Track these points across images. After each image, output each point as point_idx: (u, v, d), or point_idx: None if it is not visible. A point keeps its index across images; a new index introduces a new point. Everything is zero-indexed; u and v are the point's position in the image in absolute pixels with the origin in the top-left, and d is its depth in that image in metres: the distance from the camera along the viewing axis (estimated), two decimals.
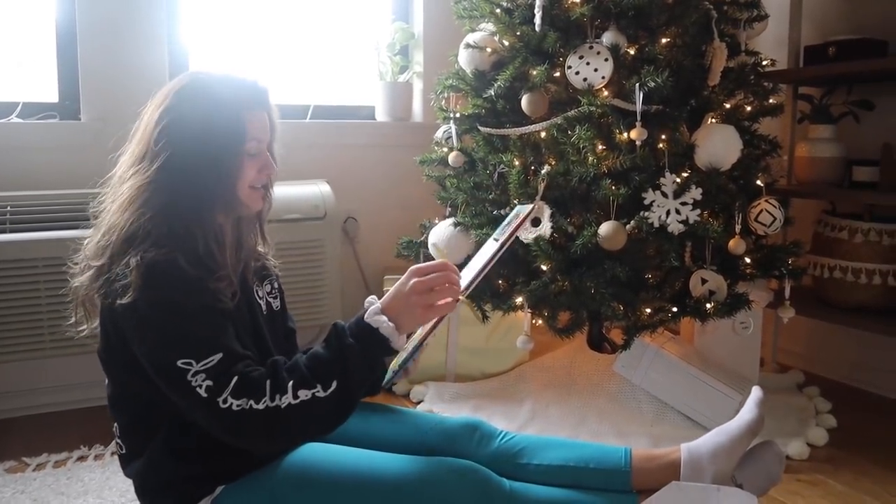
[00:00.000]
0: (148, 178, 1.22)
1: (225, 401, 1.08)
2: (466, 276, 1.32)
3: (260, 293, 1.40)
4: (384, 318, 1.16)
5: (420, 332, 1.28)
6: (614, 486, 1.38)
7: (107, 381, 1.29)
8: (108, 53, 2.34)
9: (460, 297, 1.23)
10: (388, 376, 1.30)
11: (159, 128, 1.23)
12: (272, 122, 1.32)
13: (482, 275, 1.27)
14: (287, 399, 1.09)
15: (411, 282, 1.18)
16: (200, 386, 1.09)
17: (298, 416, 1.10)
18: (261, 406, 1.08)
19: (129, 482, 1.34)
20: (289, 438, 1.16)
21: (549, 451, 1.40)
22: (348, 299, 2.71)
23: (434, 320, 1.24)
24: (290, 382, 1.10)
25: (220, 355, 1.11)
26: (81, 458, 1.94)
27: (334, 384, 1.12)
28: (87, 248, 1.26)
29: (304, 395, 1.10)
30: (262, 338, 1.35)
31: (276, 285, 1.47)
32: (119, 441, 1.30)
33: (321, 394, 1.11)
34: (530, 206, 1.36)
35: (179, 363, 1.10)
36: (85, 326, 1.30)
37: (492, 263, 1.27)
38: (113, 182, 1.30)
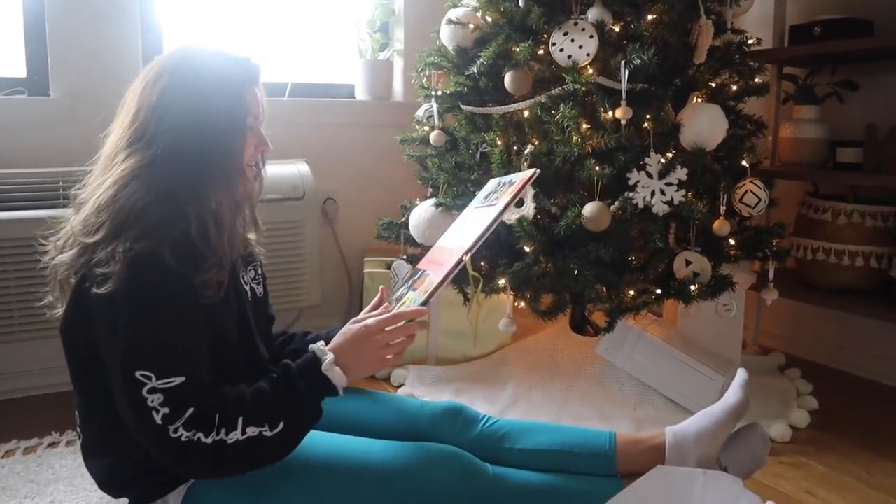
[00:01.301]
0: (147, 158, 1.17)
1: (176, 430, 1.05)
2: (456, 239, 1.30)
3: (245, 279, 1.36)
4: (338, 370, 1.17)
5: (423, 293, 1.25)
6: (599, 470, 1.37)
7: (66, 361, 1.24)
8: (78, 27, 2.26)
9: (464, 257, 1.22)
10: None
11: (158, 106, 1.18)
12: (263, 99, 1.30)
13: (486, 236, 1.25)
14: (235, 435, 1.07)
15: (369, 336, 1.20)
16: (157, 410, 1.05)
17: (243, 452, 1.08)
18: (209, 441, 1.06)
19: None
20: (229, 471, 1.13)
21: (533, 436, 1.38)
22: (328, 282, 2.68)
23: (439, 280, 1.22)
24: (240, 419, 1.08)
25: (181, 379, 1.07)
26: (52, 445, 1.89)
27: (281, 425, 1.11)
28: (74, 224, 1.19)
29: (251, 431, 1.08)
30: (247, 325, 1.32)
31: (259, 271, 1.43)
32: (79, 429, 1.25)
33: (268, 433, 1.09)
34: (527, 171, 1.32)
35: (138, 374, 1.06)
36: (60, 308, 1.24)
37: (495, 224, 1.26)
38: (101, 162, 1.24)
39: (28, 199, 2.07)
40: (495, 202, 1.33)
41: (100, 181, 1.21)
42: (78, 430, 1.26)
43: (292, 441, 1.14)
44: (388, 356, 1.21)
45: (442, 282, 1.23)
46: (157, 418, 1.05)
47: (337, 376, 1.16)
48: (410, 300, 1.29)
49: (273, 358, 1.41)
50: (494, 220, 1.27)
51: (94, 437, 1.25)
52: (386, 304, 1.39)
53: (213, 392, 1.10)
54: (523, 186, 1.30)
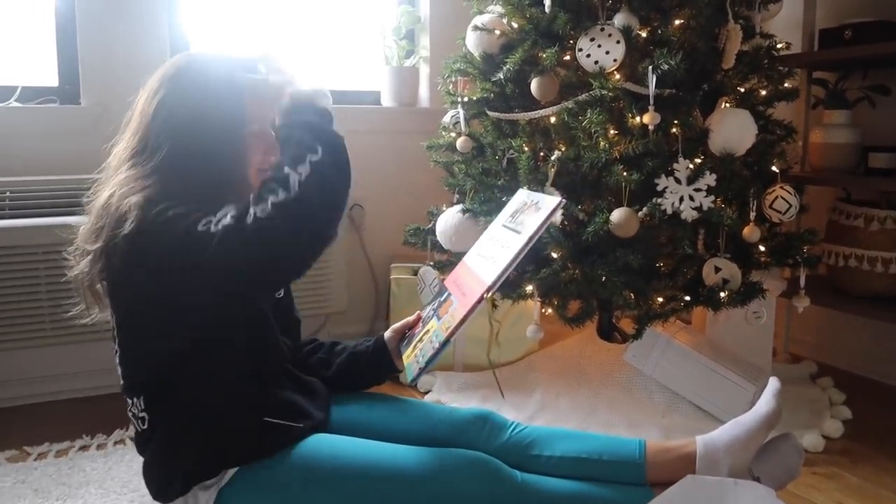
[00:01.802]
0: (148, 169, 1.19)
1: (248, 214, 1.04)
2: (482, 266, 1.28)
3: None
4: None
5: (445, 329, 1.24)
6: (628, 479, 1.35)
7: (119, 359, 1.26)
8: (108, 36, 2.29)
9: (485, 296, 1.20)
10: (412, 373, 1.27)
11: (155, 117, 1.19)
12: None
13: (508, 272, 1.23)
14: (297, 178, 1.06)
15: None
16: (221, 221, 1.05)
17: (313, 187, 1.07)
18: (281, 198, 1.05)
19: (133, 472, 1.32)
20: (268, 229, 1.06)
21: (561, 443, 1.37)
22: (354, 288, 2.68)
23: (460, 318, 1.21)
24: (286, 167, 1.08)
25: (231, 207, 1.08)
26: (83, 448, 1.91)
27: (320, 149, 1.10)
28: (81, 233, 1.23)
29: (303, 169, 1.07)
30: (264, 316, 1.33)
31: None
32: (139, 416, 1.27)
33: (315, 157, 1.09)
34: (553, 197, 1.29)
35: (200, 227, 1.06)
36: (96, 312, 1.27)
37: (517, 262, 1.23)
38: (107, 173, 1.26)
39: (58, 205, 2.10)
40: (520, 229, 1.30)
41: (107, 193, 1.22)
42: (139, 416, 1.27)
43: (335, 170, 1.12)
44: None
45: (462, 321, 1.22)
46: (227, 221, 1.05)
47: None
48: (433, 332, 1.28)
49: (300, 365, 1.42)
50: (517, 256, 1.23)
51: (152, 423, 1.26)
52: (418, 313, 1.40)
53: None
54: (548, 218, 1.26)
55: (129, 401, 1.27)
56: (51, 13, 2.30)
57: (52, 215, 2.07)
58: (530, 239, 1.23)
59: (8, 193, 2.07)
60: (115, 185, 1.19)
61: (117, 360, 1.27)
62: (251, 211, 1.04)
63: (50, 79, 2.34)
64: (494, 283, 1.22)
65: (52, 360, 2.22)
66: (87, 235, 1.21)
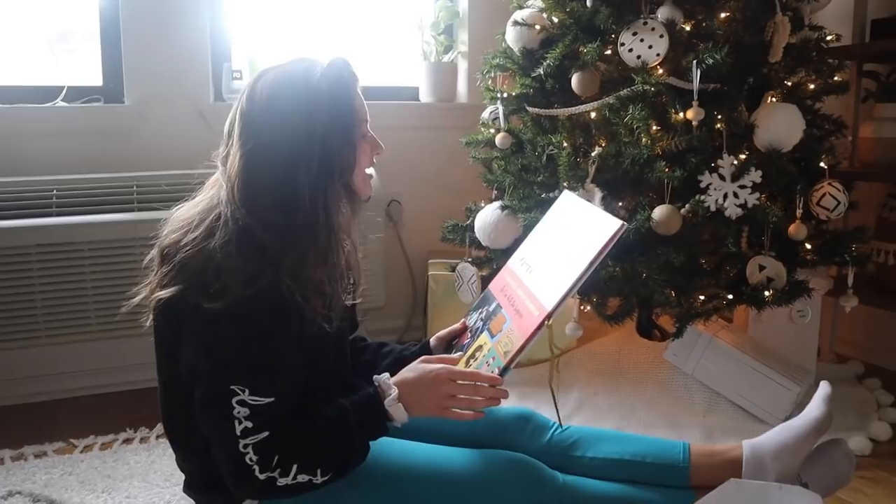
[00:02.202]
0: (258, 181, 1.13)
1: (246, 447, 1.07)
2: (536, 283, 1.25)
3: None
4: (401, 408, 1.16)
5: (504, 355, 1.21)
6: (671, 482, 1.33)
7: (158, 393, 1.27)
8: (151, 36, 2.33)
9: (546, 323, 1.18)
10: None
11: (259, 129, 1.13)
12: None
13: (567, 297, 1.19)
14: (285, 480, 1.09)
15: (437, 383, 1.18)
16: (239, 420, 1.08)
17: (289, 491, 1.11)
18: (262, 477, 1.08)
19: (175, 466, 1.33)
20: (273, 499, 1.16)
21: (604, 444, 1.35)
22: (392, 284, 2.69)
23: (519, 347, 1.19)
24: (294, 466, 1.09)
25: (271, 399, 1.09)
26: (127, 441, 1.95)
27: (330, 474, 1.12)
28: (173, 223, 1.19)
29: (301, 478, 1.10)
30: (342, 340, 1.33)
31: (352, 279, 1.37)
32: (165, 429, 1.28)
33: (317, 480, 1.11)
34: (615, 220, 1.21)
35: (234, 386, 1.08)
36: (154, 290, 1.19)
37: (579, 284, 1.19)
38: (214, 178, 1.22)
39: (103, 202, 2.13)
40: (578, 247, 1.23)
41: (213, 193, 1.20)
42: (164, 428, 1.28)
43: (337, 479, 1.14)
44: (449, 408, 1.18)
45: (521, 349, 1.18)
46: (238, 429, 1.07)
47: (398, 414, 1.16)
48: (488, 352, 1.24)
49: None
50: (577, 281, 1.18)
51: (178, 440, 1.27)
52: (462, 321, 1.39)
53: (291, 423, 1.11)
54: (611, 242, 1.19)
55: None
56: (95, 14, 2.34)
57: (97, 213, 2.10)
58: (591, 264, 1.18)
59: (55, 191, 2.11)
60: (218, 200, 1.16)
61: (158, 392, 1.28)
62: (251, 441, 1.07)
63: (94, 79, 2.37)
64: (555, 308, 1.18)
65: (96, 354, 2.26)
66: (172, 240, 1.16)
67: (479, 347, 1.28)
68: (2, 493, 1.66)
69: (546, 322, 1.18)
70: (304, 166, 1.12)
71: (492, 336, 1.27)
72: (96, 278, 2.08)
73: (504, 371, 1.19)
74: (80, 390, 2.27)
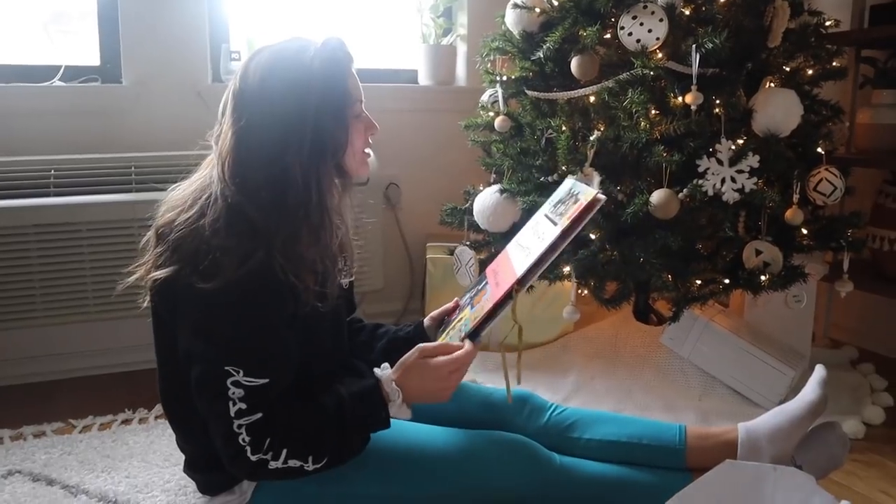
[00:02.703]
0: (250, 162, 1.14)
1: (240, 427, 1.09)
2: (517, 257, 1.26)
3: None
4: (406, 407, 1.18)
5: (474, 320, 1.23)
6: (668, 464, 1.35)
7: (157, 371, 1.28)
8: (148, 16, 2.31)
9: (516, 289, 1.18)
10: None
11: (251, 109, 1.14)
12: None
13: (540, 269, 1.19)
14: (275, 464, 1.10)
15: (435, 365, 1.19)
16: (234, 401, 1.09)
17: (279, 474, 1.12)
18: (253, 458, 1.09)
19: (174, 447, 1.34)
20: (265, 480, 1.19)
21: (601, 426, 1.37)
22: (390, 266, 2.69)
23: (487, 311, 1.20)
24: (285, 451, 1.10)
25: (265, 381, 1.10)
26: (126, 422, 1.95)
27: (324, 462, 1.13)
28: (169, 203, 1.20)
29: (292, 463, 1.11)
30: (339, 324, 1.34)
31: (347, 262, 1.39)
32: (163, 408, 1.29)
33: (308, 466, 1.12)
34: (593, 191, 1.22)
35: (228, 367, 1.09)
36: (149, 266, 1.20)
37: (552, 257, 1.19)
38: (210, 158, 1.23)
39: (101, 183, 2.13)
40: (557, 220, 1.24)
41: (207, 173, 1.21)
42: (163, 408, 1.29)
43: (329, 469, 1.15)
44: (448, 391, 1.20)
45: (489, 314, 1.20)
46: (232, 410, 1.08)
47: (403, 414, 1.18)
48: (463, 322, 1.26)
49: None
50: (550, 249, 1.18)
51: (178, 421, 1.28)
52: (455, 299, 1.40)
53: (284, 404, 1.12)
54: (584, 213, 1.18)
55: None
56: None
57: (95, 193, 2.10)
58: (564, 232, 1.18)
59: (52, 171, 2.10)
60: (211, 180, 1.17)
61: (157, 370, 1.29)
62: (244, 421, 1.09)
63: (92, 58, 2.36)
64: (525, 276, 1.18)
65: (94, 335, 2.27)
66: (166, 220, 1.17)
67: (461, 319, 1.29)
68: (2, 472, 1.67)
69: (516, 288, 1.18)
70: (296, 146, 1.13)
71: (472, 308, 1.29)
72: (94, 259, 2.08)
73: (473, 335, 1.21)
74: (78, 371, 2.28)
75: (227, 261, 1.08)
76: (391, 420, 1.18)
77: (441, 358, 1.18)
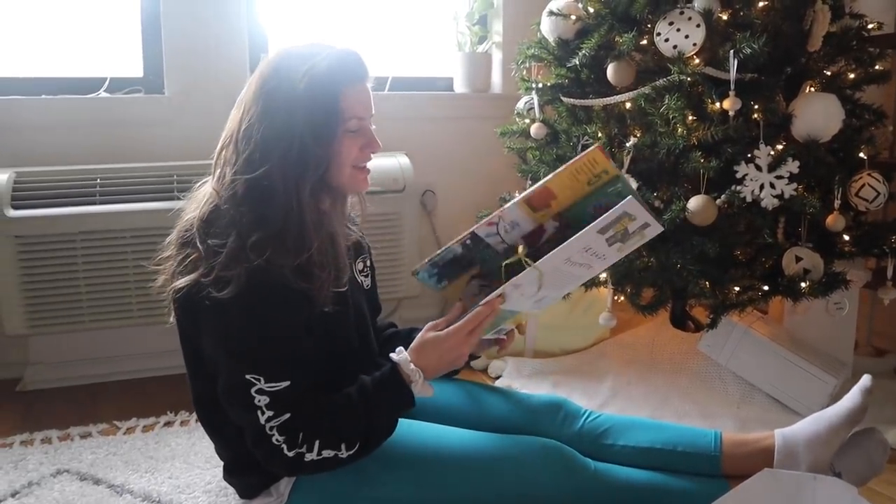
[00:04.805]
0: (240, 169, 1.18)
1: (272, 429, 1.13)
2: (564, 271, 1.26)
3: (355, 272, 1.39)
4: (428, 385, 1.20)
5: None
6: (703, 471, 1.34)
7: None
8: (190, 28, 2.36)
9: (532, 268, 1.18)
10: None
11: (250, 115, 1.18)
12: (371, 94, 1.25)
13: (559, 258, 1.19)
14: (311, 456, 1.14)
15: (449, 333, 1.22)
16: (262, 410, 1.12)
17: (317, 466, 1.15)
18: (290, 454, 1.13)
19: (214, 449, 1.37)
20: (304, 475, 1.22)
21: (636, 433, 1.36)
22: None
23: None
24: (317, 442, 1.14)
25: (286, 383, 1.13)
26: (168, 424, 2.00)
27: (356, 448, 1.16)
28: (193, 221, 1.22)
29: (327, 453, 1.15)
30: (364, 323, 1.35)
31: (368, 262, 1.45)
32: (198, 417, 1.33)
33: (342, 454, 1.15)
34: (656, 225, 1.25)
35: (249, 376, 1.12)
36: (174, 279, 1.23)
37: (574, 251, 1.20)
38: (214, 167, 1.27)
39: (145, 191, 2.18)
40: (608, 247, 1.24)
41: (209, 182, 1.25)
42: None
43: (365, 454, 1.18)
44: (464, 356, 1.22)
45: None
46: (262, 418, 1.12)
47: (426, 391, 1.20)
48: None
49: (379, 350, 1.44)
50: (574, 245, 1.18)
51: (212, 427, 1.31)
52: (458, 303, 1.39)
53: (312, 401, 1.15)
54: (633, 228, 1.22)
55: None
56: (136, 6, 2.38)
57: (138, 201, 2.15)
58: (588, 232, 1.20)
59: (98, 180, 2.16)
60: (218, 194, 1.21)
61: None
62: (275, 423, 1.13)
63: (136, 70, 2.42)
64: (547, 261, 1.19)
65: (138, 339, 2.32)
66: (181, 233, 1.22)
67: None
68: (51, 471, 1.72)
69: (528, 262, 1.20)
70: (280, 157, 1.15)
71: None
72: (138, 265, 2.13)
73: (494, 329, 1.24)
74: (122, 374, 2.33)
75: (230, 271, 1.11)
76: (427, 424, 1.19)
77: (459, 323, 1.21)
